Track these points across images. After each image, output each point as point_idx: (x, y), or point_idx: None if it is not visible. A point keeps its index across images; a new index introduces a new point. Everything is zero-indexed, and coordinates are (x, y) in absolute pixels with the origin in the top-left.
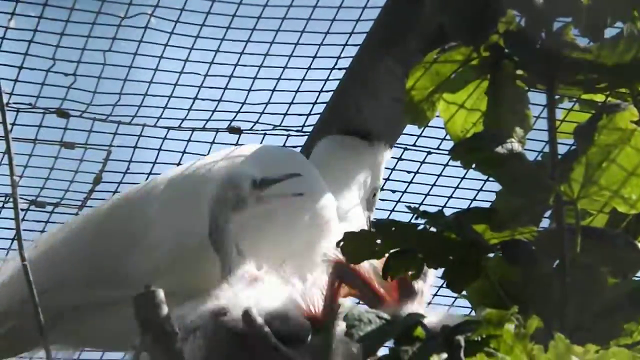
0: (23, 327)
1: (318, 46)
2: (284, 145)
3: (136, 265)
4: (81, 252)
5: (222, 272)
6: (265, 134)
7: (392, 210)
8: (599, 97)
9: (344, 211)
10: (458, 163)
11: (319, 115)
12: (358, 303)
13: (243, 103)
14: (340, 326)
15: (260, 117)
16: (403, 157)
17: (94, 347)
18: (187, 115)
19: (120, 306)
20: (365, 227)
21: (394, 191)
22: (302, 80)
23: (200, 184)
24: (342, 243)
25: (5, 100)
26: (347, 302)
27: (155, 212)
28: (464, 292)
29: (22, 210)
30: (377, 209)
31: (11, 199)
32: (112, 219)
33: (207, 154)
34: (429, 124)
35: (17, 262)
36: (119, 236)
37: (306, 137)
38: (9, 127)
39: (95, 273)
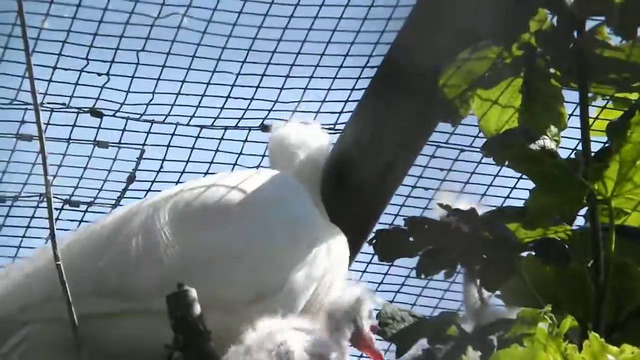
0: (34, 335)
1: (350, 44)
2: None
3: (141, 279)
4: (89, 261)
5: None
6: None
7: (425, 208)
8: (633, 96)
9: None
10: (491, 160)
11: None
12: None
13: (275, 101)
14: None
15: (292, 115)
16: (436, 154)
17: None
18: (219, 113)
19: (129, 318)
20: None
21: (426, 189)
22: (334, 78)
23: (206, 212)
24: (374, 241)
25: (39, 100)
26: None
27: (167, 229)
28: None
29: (56, 209)
30: (411, 206)
31: (45, 199)
32: (121, 232)
33: (240, 152)
34: (462, 122)
35: (31, 263)
36: (126, 249)
37: (338, 134)
38: (43, 126)
39: (102, 283)
